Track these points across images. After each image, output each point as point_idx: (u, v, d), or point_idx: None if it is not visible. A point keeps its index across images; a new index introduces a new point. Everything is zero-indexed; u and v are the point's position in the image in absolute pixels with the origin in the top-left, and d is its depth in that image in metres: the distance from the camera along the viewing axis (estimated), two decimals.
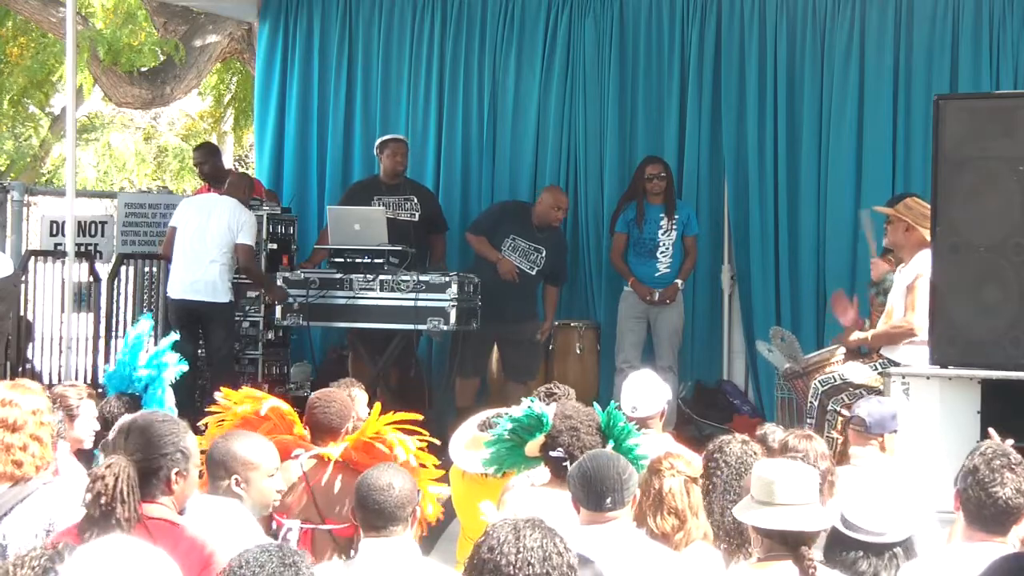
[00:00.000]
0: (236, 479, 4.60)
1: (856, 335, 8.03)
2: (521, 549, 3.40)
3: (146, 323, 6.37)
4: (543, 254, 10.13)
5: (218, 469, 4.64)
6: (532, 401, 5.38)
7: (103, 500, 3.92)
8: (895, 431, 6.37)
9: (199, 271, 9.48)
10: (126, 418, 4.53)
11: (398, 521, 4.32)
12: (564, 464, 5.12)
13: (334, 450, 5.42)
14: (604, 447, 5.18)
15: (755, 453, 5.15)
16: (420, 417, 5.73)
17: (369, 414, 5.70)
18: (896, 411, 6.46)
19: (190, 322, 9.58)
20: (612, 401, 5.50)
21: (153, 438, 4.22)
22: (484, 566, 3.38)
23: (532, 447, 5.29)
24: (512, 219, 10.18)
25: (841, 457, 6.69)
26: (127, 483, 3.95)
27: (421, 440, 5.61)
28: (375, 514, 4.32)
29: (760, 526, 4.21)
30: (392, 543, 4.30)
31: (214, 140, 21.37)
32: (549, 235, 10.19)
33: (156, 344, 6.57)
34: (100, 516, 3.92)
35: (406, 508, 4.35)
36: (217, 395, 5.89)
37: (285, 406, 5.74)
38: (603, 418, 5.25)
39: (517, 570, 3.35)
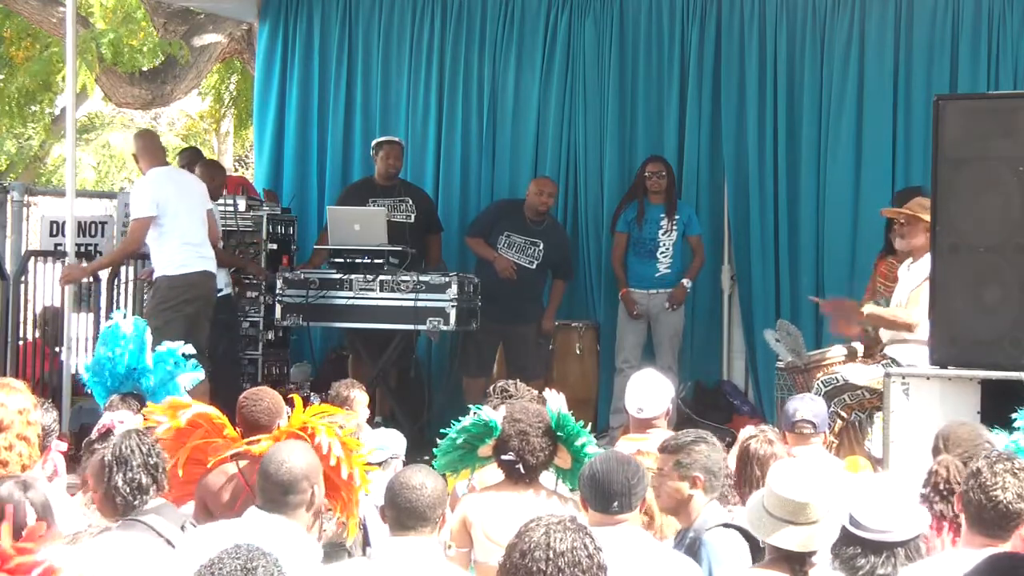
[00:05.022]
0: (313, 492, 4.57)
1: (845, 301, 8.13)
2: (552, 556, 3.43)
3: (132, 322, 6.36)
4: (540, 247, 10.13)
5: (303, 482, 4.58)
6: (479, 410, 5.42)
7: (943, 488, 4.85)
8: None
9: None
10: (947, 426, 5.50)
11: (428, 521, 4.32)
12: (516, 467, 5.17)
13: (263, 445, 5.39)
14: (555, 448, 5.24)
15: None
16: (342, 412, 5.82)
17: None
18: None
19: None
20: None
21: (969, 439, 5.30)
22: (516, 571, 3.43)
23: (484, 449, 5.34)
24: (505, 216, 10.19)
25: None
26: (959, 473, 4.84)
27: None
28: (407, 512, 4.30)
29: (783, 547, 4.24)
30: (418, 542, 4.29)
31: (214, 140, 21.41)
32: (546, 228, 10.19)
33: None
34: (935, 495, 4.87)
35: (436, 509, 4.36)
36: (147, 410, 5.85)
37: (211, 410, 5.67)
38: (553, 418, 5.28)
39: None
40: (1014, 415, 5.79)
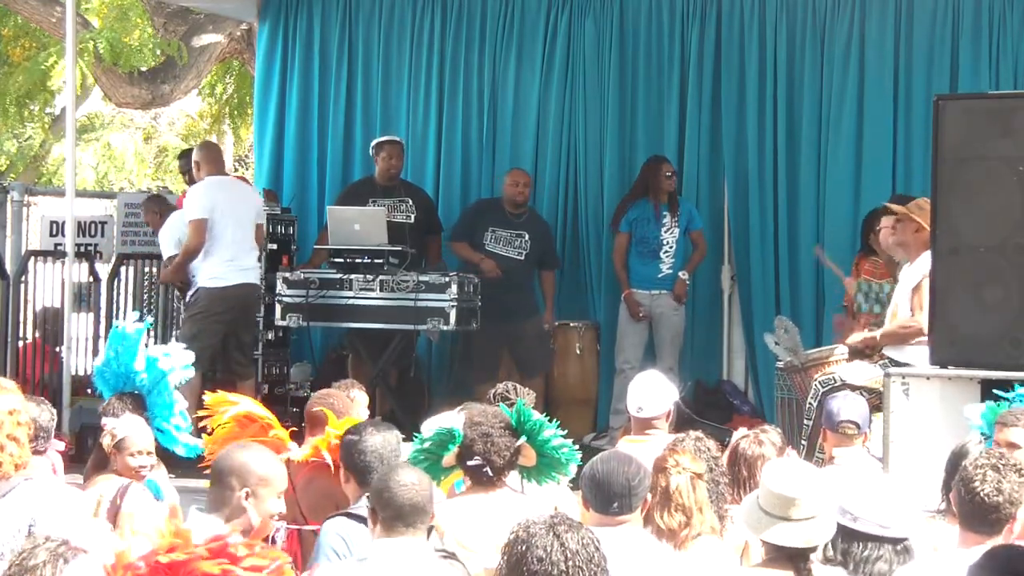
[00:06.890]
0: (247, 492, 4.30)
1: (858, 336, 8.01)
2: (569, 555, 3.42)
3: (136, 322, 6.37)
4: (526, 238, 10.18)
5: (230, 479, 4.32)
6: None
7: None
8: None
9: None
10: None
11: (428, 515, 4.30)
12: (484, 470, 5.15)
13: (296, 452, 5.36)
14: (518, 443, 5.22)
15: (708, 450, 5.19)
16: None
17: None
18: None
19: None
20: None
21: None
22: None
23: (448, 458, 5.30)
24: (486, 213, 10.28)
25: (831, 459, 6.72)
26: None
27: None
28: (409, 510, 4.25)
29: (778, 543, 4.23)
30: (411, 542, 4.25)
31: (214, 140, 21.40)
32: (528, 219, 10.25)
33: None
34: None
35: (432, 504, 4.33)
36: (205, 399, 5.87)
37: (261, 410, 5.64)
38: (512, 416, 5.26)
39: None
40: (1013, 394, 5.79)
